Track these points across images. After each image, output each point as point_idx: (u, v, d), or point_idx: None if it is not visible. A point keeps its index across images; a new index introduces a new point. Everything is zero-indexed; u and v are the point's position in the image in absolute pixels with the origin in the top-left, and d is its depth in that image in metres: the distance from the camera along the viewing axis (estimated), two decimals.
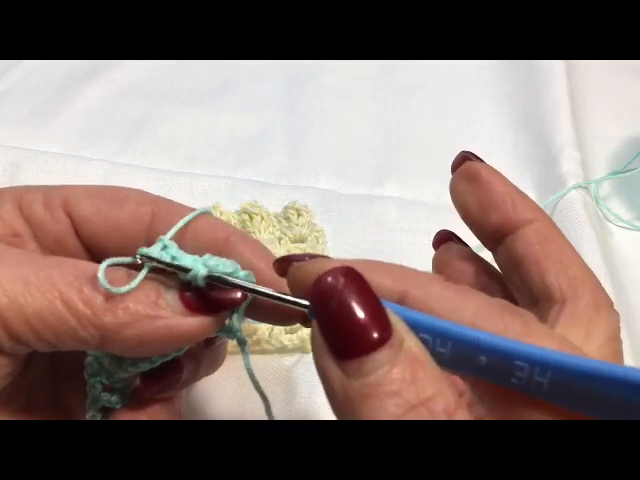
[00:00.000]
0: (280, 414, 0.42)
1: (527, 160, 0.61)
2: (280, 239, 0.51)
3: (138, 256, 0.29)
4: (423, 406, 0.21)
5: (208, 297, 0.28)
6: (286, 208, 0.53)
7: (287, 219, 0.52)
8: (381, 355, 0.22)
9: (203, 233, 0.32)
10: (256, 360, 0.45)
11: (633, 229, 0.56)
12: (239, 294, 0.29)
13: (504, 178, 0.30)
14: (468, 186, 0.30)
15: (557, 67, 0.67)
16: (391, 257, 0.31)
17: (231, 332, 0.31)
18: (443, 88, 0.70)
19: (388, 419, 0.21)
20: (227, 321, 0.30)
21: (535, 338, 0.24)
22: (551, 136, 0.60)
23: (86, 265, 0.29)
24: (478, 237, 0.31)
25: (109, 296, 0.27)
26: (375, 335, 0.22)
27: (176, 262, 0.28)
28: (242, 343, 0.31)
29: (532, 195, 0.58)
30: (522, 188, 0.57)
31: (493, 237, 0.30)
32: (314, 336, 0.23)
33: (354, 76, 0.71)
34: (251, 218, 0.52)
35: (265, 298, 0.28)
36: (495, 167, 0.66)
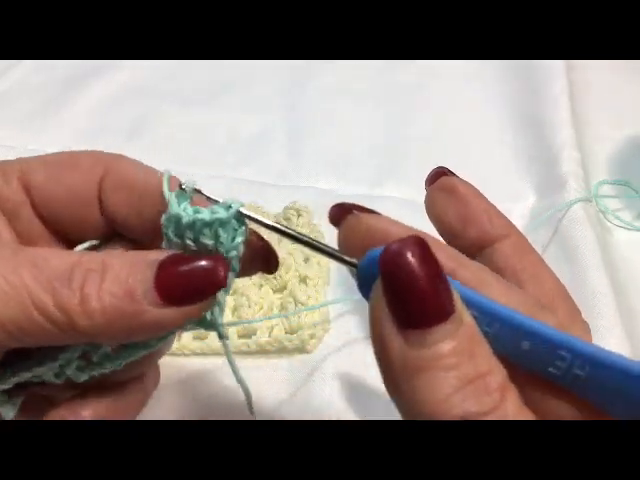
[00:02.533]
0: (280, 414, 0.42)
1: (527, 160, 0.61)
2: (280, 240, 0.51)
3: (185, 186, 0.29)
4: (480, 380, 0.22)
5: (184, 285, 0.28)
6: (286, 208, 0.53)
7: (287, 219, 0.52)
8: (444, 328, 0.22)
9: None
10: (256, 360, 0.45)
11: (633, 229, 0.56)
12: (218, 276, 0.28)
13: (479, 193, 0.31)
14: (446, 200, 0.31)
15: (557, 67, 0.67)
16: None
17: (212, 326, 0.30)
18: (443, 88, 0.70)
19: (447, 391, 0.22)
20: (208, 315, 0.30)
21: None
22: (551, 136, 0.60)
23: (57, 260, 0.28)
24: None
25: (85, 295, 0.27)
26: (441, 308, 0.22)
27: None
28: (223, 337, 0.30)
29: (532, 195, 0.58)
30: (522, 188, 0.59)
31: (470, 250, 0.30)
32: (375, 303, 0.23)
33: (354, 76, 0.71)
34: None
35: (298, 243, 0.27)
36: (495, 167, 0.66)
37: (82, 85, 0.69)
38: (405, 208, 0.56)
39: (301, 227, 0.51)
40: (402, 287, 0.23)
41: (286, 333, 0.46)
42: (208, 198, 0.29)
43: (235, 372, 0.31)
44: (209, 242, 0.28)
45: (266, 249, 0.31)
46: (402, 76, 0.71)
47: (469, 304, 0.24)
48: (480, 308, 0.24)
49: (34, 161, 0.34)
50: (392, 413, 0.37)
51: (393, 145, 0.63)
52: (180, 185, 0.29)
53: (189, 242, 0.28)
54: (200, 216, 0.28)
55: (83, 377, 0.31)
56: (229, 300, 0.48)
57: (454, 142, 0.63)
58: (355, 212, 0.28)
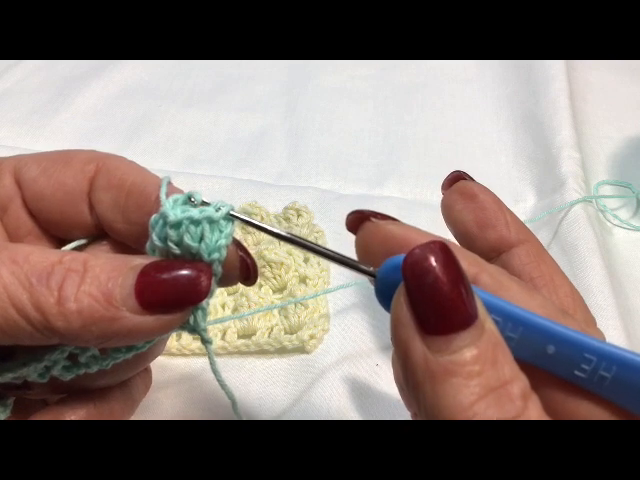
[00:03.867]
0: (279, 415, 0.42)
1: (527, 160, 0.61)
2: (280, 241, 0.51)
3: (193, 198, 0.28)
4: (503, 388, 0.22)
5: (166, 294, 0.27)
6: (286, 208, 0.53)
7: (287, 219, 0.52)
8: (468, 334, 0.22)
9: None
10: (256, 360, 0.45)
11: (633, 229, 0.56)
12: (201, 285, 0.27)
13: (497, 198, 0.31)
14: (464, 204, 0.31)
15: (557, 67, 0.67)
16: None
17: (195, 330, 0.29)
18: (443, 88, 0.70)
19: (471, 399, 0.21)
20: (190, 319, 0.29)
21: None
22: (551, 136, 0.60)
23: (38, 257, 0.27)
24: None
25: (63, 295, 0.26)
26: (465, 314, 0.22)
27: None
28: (207, 342, 0.30)
29: (532, 195, 0.58)
30: (522, 188, 0.59)
31: (487, 254, 0.31)
32: (398, 308, 0.23)
33: (354, 76, 0.71)
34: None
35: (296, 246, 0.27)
36: (495, 167, 0.66)
37: (82, 85, 0.69)
38: (405, 208, 0.56)
39: (301, 227, 0.51)
40: (426, 292, 0.23)
41: (286, 333, 0.46)
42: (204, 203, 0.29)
43: (217, 376, 0.30)
44: (193, 244, 0.28)
45: (244, 260, 0.31)
46: (402, 76, 0.71)
47: (492, 309, 0.24)
48: (504, 313, 0.24)
49: (29, 157, 0.34)
50: (392, 413, 0.37)
51: (393, 145, 0.63)
52: (190, 197, 0.28)
53: (172, 245, 0.28)
54: (189, 214, 0.28)
55: (69, 376, 0.31)
56: (229, 301, 0.48)
57: (454, 142, 0.63)
58: (373, 219, 0.27)
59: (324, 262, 0.50)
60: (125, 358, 0.31)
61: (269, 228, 0.28)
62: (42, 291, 0.26)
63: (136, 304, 0.27)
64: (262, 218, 0.52)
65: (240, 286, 0.48)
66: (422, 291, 0.23)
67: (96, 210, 0.32)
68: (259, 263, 0.49)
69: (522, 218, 0.55)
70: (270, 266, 0.48)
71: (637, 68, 0.70)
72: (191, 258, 0.28)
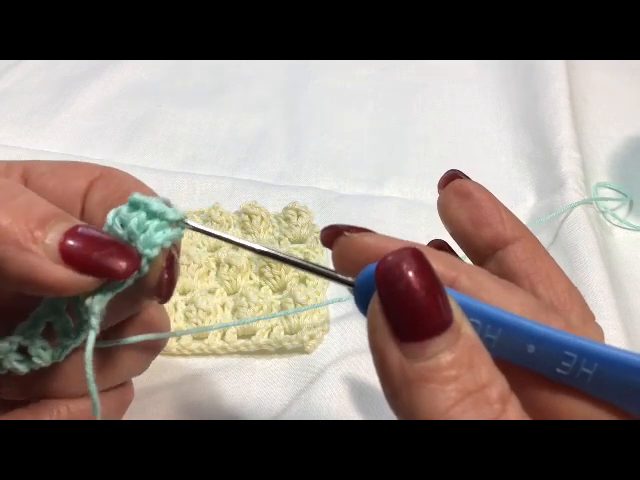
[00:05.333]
0: (279, 415, 0.42)
1: (527, 160, 0.61)
2: (280, 240, 0.51)
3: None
4: (480, 392, 0.22)
5: (91, 255, 0.27)
6: (286, 209, 0.53)
7: (287, 220, 0.52)
8: (443, 339, 0.22)
9: None
10: (255, 361, 0.45)
11: (632, 229, 0.56)
12: (124, 265, 0.27)
13: (492, 196, 0.32)
14: (459, 202, 0.31)
15: (557, 67, 0.67)
16: None
17: (84, 311, 0.28)
18: (443, 88, 0.70)
19: (447, 404, 0.21)
20: (91, 297, 0.28)
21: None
22: (551, 136, 0.60)
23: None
24: (466, 251, 0.32)
25: None
26: (439, 319, 0.22)
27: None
28: (90, 328, 0.28)
29: (532, 195, 0.58)
30: (522, 188, 0.59)
31: (483, 252, 0.31)
32: (373, 315, 0.23)
33: (354, 76, 0.71)
34: (251, 218, 0.52)
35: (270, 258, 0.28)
36: (495, 167, 0.66)
37: (82, 85, 0.69)
38: (405, 208, 0.56)
39: (301, 227, 0.51)
40: (399, 299, 0.23)
41: (285, 334, 0.46)
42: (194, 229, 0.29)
43: (87, 371, 0.28)
44: (136, 231, 0.28)
45: (164, 273, 0.30)
46: (402, 76, 0.71)
47: (470, 312, 0.24)
48: (482, 315, 0.24)
49: (41, 161, 0.34)
50: (392, 413, 0.37)
51: (393, 145, 0.63)
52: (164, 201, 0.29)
53: (117, 223, 0.28)
54: (148, 200, 0.28)
55: (24, 369, 0.30)
56: (228, 301, 0.48)
57: (454, 142, 0.64)
58: (347, 233, 0.27)
59: (324, 262, 0.50)
60: (75, 346, 0.30)
61: (230, 237, 0.29)
62: None
63: (57, 252, 0.26)
64: (262, 218, 0.52)
65: (240, 286, 0.48)
66: (395, 298, 0.23)
67: (86, 207, 0.32)
68: (259, 263, 0.49)
69: (522, 219, 0.56)
70: (270, 266, 0.48)
71: (637, 68, 0.70)
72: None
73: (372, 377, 0.44)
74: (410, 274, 0.23)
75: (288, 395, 0.43)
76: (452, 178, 0.32)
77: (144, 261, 0.28)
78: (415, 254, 0.23)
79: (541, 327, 0.24)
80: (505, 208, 0.31)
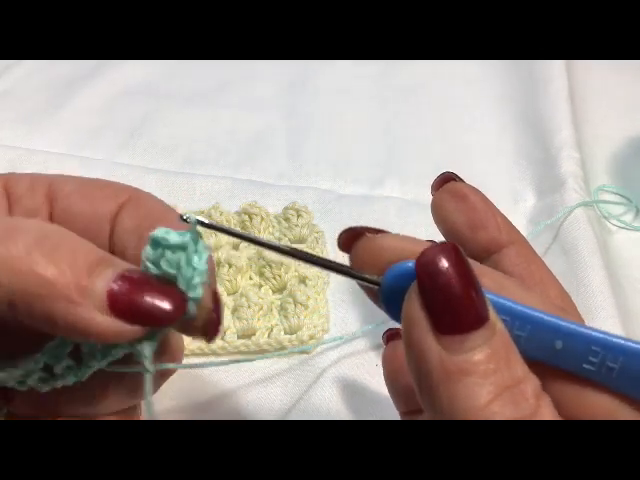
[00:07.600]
0: (279, 415, 0.42)
1: (527, 160, 0.61)
2: (280, 240, 0.51)
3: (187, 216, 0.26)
4: (517, 387, 0.22)
5: (139, 303, 0.26)
6: (286, 209, 0.53)
7: (287, 220, 0.52)
8: (480, 334, 0.22)
9: None
10: (255, 361, 0.45)
11: (632, 229, 0.56)
12: (170, 310, 0.26)
13: (487, 199, 0.32)
14: (454, 205, 0.31)
15: (557, 67, 0.67)
16: None
17: (138, 354, 0.28)
18: (443, 88, 0.70)
19: (487, 398, 0.22)
20: (139, 347, 0.28)
21: None
22: (550, 136, 0.60)
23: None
24: None
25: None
26: (477, 314, 0.23)
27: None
28: (146, 371, 0.28)
29: (531, 195, 0.58)
30: (521, 188, 0.59)
31: (478, 255, 0.31)
32: (411, 308, 0.23)
33: (354, 76, 0.71)
34: (251, 219, 0.52)
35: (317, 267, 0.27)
36: (494, 167, 0.66)
37: (82, 85, 0.69)
38: (405, 208, 0.56)
39: (301, 227, 0.51)
40: (441, 292, 0.23)
41: (285, 334, 0.46)
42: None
43: (148, 406, 0.28)
44: (170, 270, 0.27)
45: (213, 315, 0.29)
46: (402, 76, 0.71)
47: (499, 309, 0.24)
48: (511, 312, 0.25)
49: (65, 176, 0.34)
50: (392, 413, 0.37)
51: (393, 145, 0.63)
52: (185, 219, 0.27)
53: (150, 265, 0.27)
54: (164, 235, 0.27)
55: (45, 387, 0.30)
56: (228, 301, 0.48)
57: (454, 142, 0.63)
58: (367, 234, 0.27)
59: None
60: (99, 367, 0.30)
61: (259, 239, 0.28)
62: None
63: (105, 302, 0.26)
64: (262, 218, 0.52)
65: (240, 286, 0.48)
66: (437, 290, 0.23)
67: (115, 232, 0.32)
68: (259, 263, 0.49)
69: (522, 218, 0.56)
70: (270, 266, 0.48)
71: (637, 68, 0.70)
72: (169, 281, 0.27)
73: (372, 377, 0.44)
74: (451, 268, 0.23)
75: (288, 395, 0.43)
76: (446, 180, 0.32)
77: (190, 304, 0.27)
78: (455, 249, 0.23)
79: (568, 323, 0.25)
80: (499, 212, 0.32)
